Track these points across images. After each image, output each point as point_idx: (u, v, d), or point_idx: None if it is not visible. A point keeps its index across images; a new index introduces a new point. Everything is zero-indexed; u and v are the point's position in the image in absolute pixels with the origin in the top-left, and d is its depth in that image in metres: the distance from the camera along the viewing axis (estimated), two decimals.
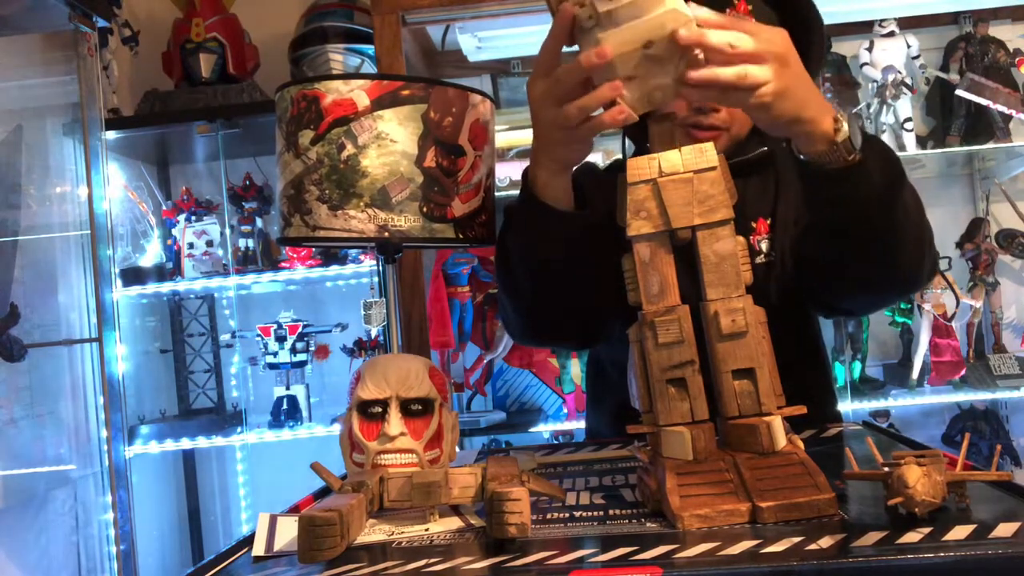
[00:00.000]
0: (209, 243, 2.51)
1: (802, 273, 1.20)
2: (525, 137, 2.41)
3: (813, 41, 1.20)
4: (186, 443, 2.47)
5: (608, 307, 1.18)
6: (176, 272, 2.52)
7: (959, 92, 2.43)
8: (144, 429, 2.47)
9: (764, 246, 1.24)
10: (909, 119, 2.45)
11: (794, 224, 1.23)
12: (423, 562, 0.70)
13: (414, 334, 2.17)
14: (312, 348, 2.55)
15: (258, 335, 2.50)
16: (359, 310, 1.47)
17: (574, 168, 1.07)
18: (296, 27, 2.57)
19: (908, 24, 2.53)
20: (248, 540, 0.84)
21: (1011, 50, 2.51)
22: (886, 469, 0.72)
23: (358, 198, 1.08)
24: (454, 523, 0.84)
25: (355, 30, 2.50)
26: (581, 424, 2.45)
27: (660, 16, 0.81)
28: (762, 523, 0.73)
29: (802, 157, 0.99)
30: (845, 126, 0.94)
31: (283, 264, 2.51)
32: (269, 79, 2.54)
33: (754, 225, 1.25)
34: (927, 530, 0.67)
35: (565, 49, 0.92)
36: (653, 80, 0.84)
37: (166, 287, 2.53)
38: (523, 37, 2.53)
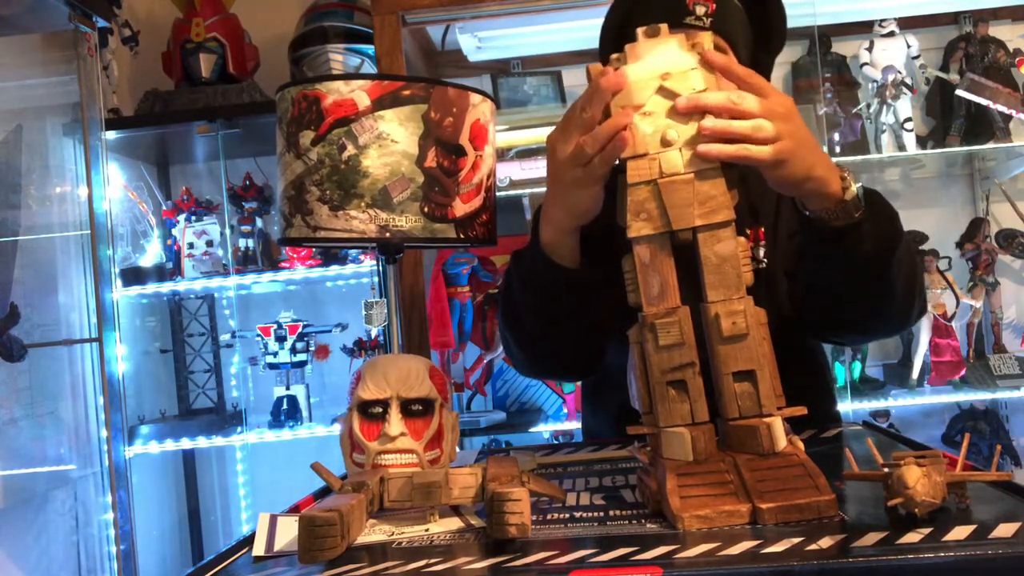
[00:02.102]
0: (209, 243, 2.51)
1: (795, 306, 1.22)
2: (525, 137, 2.41)
3: (774, 27, 1.24)
4: (186, 443, 2.47)
5: (609, 343, 1.21)
6: (176, 272, 2.52)
7: (959, 92, 2.43)
8: (144, 429, 2.47)
9: (759, 254, 1.26)
10: (909, 119, 2.45)
11: (788, 238, 1.25)
12: (423, 562, 0.70)
13: (414, 334, 2.17)
14: (312, 348, 2.55)
15: (258, 335, 2.50)
16: (359, 310, 1.47)
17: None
18: (296, 27, 2.57)
19: (908, 24, 2.53)
20: (248, 540, 0.84)
21: (1011, 50, 2.51)
22: (886, 470, 0.72)
23: (359, 198, 1.08)
24: (454, 523, 0.84)
25: (355, 30, 2.50)
26: (580, 424, 2.45)
27: (680, 50, 0.84)
28: (762, 524, 0.73)
29: (807, 213, 1.00)
30: (853, 185, 0.97)
31: (283, 264, 2.51)
32: (269, 79, 2.54)
33: (748, 232, 1.26)
34: (927, 530, 0.67)
35: None
36: (668, 118, 0.84)
37: (166, 287, 2.52)
38: (523, 37, 2.53)
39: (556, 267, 1.10)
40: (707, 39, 0.85)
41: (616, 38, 1.25)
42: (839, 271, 1.06)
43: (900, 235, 1.05)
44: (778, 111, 0.87)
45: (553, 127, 0.99)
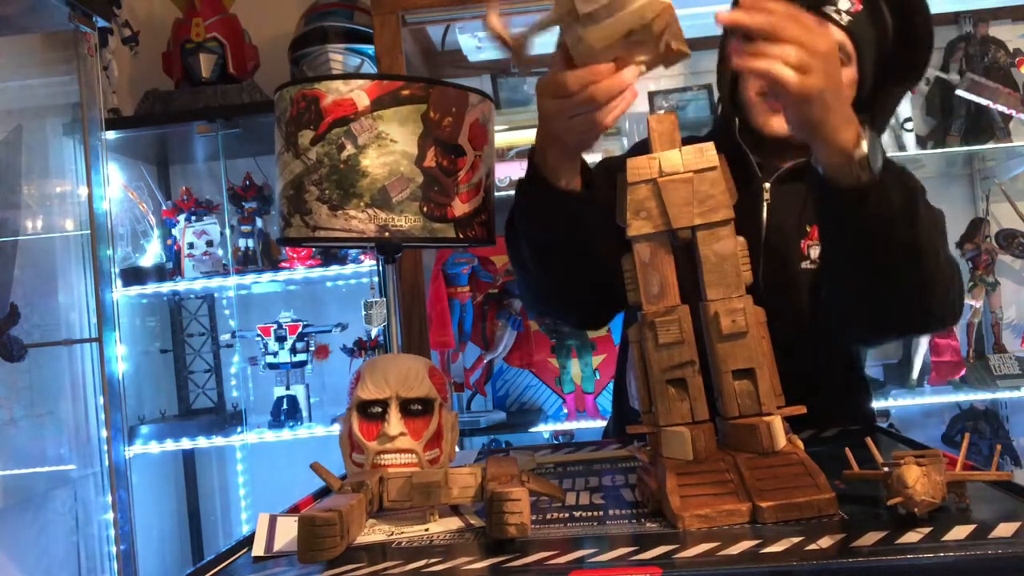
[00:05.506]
0: (209, 243, 2.51)
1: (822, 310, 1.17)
2: (525, 137, 2.41)
3: (917, 59, 1.21)
4: (186, 443, 2.47)
5: (613, 285, 1.18)
6: (176, 272, 2.52)
7: (959, 92, 2.43)
8: (144, 429, 2.46)
9: (814, 252, 1.21)
10: (909, 119, 2.45)
11: None
12: (423, 562, 0.70)
13: (414, 334, 2.17)
14: (312, 348, 2.55)
15: (258, 335, 2.50)
16: (359, 310, 1.46)
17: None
18: (296, 27, 2.57)
19: None
20: (248, 540, 0.84)
21: (1011, 50, 2.51)
22: (886, 469, 0.72)
23: (358, 198, 1.08)
24: (454, 523, 0.84)
25: (355, 30, 2.50)
26: (581, 424, 2.45)
27: (639, 8, 0.84)
28: (762, 523, 0.73)
29: (819, 170, 0.97)
30: (864, 144, 0.93)
31: (283, 264, 2.51)
32: (269, 79, 2.54)
33: (808, 229, 1.22)
34: (927, 530, 0.67)
35: None
36: (637, 57, 0.87)
37: (166, 287, 2.52)
38: None
39: (557, 191, 1.06)
40: None
41: None
42: (846, 246, 1.01)
43: (914, 215, 0.97)
44: (819, 48, 0.86)
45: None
